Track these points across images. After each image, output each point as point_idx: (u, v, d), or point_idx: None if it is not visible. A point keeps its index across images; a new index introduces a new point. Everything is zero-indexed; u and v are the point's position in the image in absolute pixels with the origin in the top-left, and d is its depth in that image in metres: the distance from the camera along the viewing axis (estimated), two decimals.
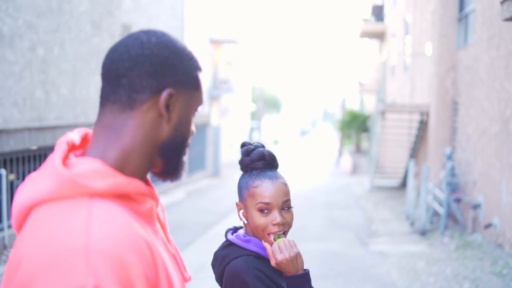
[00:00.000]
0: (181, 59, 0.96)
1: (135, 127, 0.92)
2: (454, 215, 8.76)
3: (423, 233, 8.25)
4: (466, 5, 9.33)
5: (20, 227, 0.89)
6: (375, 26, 20.27)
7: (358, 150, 25.41)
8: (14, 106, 6.73)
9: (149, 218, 0.96)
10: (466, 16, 9.24)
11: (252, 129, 41.49)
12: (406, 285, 5.73)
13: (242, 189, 1.57)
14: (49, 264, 0.77)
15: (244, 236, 1.55)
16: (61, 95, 7.84)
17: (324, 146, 42.11)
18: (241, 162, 1.61)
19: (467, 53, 8.78)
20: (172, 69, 0.94)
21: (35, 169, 7.55)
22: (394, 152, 14.42)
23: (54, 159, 0.88)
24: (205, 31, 21.81)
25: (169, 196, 12.34)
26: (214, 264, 1.59)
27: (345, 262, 6.73)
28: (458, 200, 8.22)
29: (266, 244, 1.49)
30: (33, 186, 0.88)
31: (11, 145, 6.69)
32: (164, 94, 0.92)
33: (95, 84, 8.93)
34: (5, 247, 6.54)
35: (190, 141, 1.02)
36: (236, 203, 1.60)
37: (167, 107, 0.94)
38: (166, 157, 0.97)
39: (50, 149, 7.77)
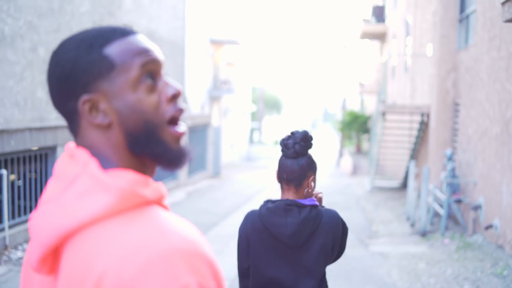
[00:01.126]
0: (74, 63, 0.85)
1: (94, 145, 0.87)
2: (455, 216, 8.76)
3: (424, 234, 8.25)
4: (467, 6, 9.33)
5: (46, 260, 0.80)
6: (376, 27, 20.27)
7: (359, 151, 25.40)
8: (15, 106, 6.74)
9: None
10: (467, 17, 9.24)
11: (252, 130, 41.52)
12: (407, 286, 5.73)
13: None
14: (148, 270, 0.73)
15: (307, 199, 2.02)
16: None
17: (325, 147, 42.10)
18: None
19: (468, 54, 8.78)
20: (75, 78, 0.85)
21: (35, 170, 7.55)
22: (394, 153, 14.42)
23: (94, 172, 0.81)
24: (206, 32, 21.82)
25: (170, 196, 12.34)
26: (305, 226, 1.94)
27: (346, 263, 6.73)
28: (458, 201, 8.22)
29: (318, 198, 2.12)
30: (80, 206, 0.78)
31: (12, 145, 6.70)
32: (82, 108, 0.84)
33: None
34: (5, 247, 6.54)
35: (164, 110, 0.87)
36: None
37: (86, 107, 0.84)
38: (146, 152, 0.87)
39: (51, 149, 7.77)
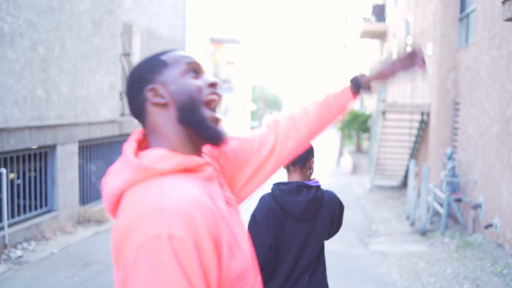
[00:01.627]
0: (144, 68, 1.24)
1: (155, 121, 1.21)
2: (455, 215, 8.75)
3: (424, 233, 8.25)
4: (467, 5, 9.32)
5: (113, 210, 1.15)
6: (376, 26, 20.25)
7: (359, 150, 25.39)
8: (15, 105, 6.73)
9: (210, 180, 1.22)
10: (467, 16, 9.23)
11: (252, 129, 41.45)
12: (407, 285, 5.72)
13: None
14: (133, 223, 1.01)
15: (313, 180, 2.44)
16: (61, 94, 7.83)
17: (325, 145, 42.11)
18: None
19: (468, 53, 8.77)
20: (144, 74, 1.23)
21: (35, 168, 7.54)
22: (394, 152, 14.41)
23: (128, 154, 1.15)
24: (206, 31, 21.80)
25: None
26: (312, 204, 2.36)
27: (346, 262, 6.72)
28: (458, 200, 8.21)
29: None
30: (117, 177, 1.13)
31: (12, 144, 6.69)
32: (147, 95, 1.20)
33: (96, 83, 8.93)
34: (5, 246, 6.54)
35: (203, 93, 1.22)
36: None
37: (152, 94, 1.20)
38: (192, 124, 1.19)
39: (51, 148, 7.76)
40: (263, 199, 2.41)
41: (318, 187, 2.41)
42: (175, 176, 1.12)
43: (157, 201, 1.03)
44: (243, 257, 1.19)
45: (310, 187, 2.38)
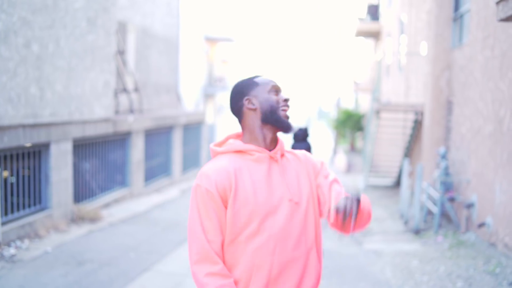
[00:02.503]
0: (246, 87, 2.05)
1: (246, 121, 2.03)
2: (448, 214, 8.80)
3: (417, 232, 8.29)
4: (461, 5, 9.36)
5: None
6: (371, 26, 20.28)
7: (353, 149, 25.43)
8: (9, 103, 6.70)
9: (258, 161, 1.95)
10: (461, 16, 9.27)
11: None
12: (400, 284, 5.75)
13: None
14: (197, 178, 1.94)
15: None
16: (56, 92, 7.80)
17: (319, 144, 42.13)
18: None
19: (462, 53, 8.81)
20: (244, 89, 2.05)
21: (29, 166, 7.52)
22: (388, 151, 14.46)
23: (211, 145, 2.02)
24: (200, 29, 21.76)
25: (164, 194, 12.33)
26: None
27: (340, 261, 6.75)
28: (452, 199, 8.25)
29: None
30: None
31: (5, 141, 6.66)
32: (244, 102, 2.01)
33: (90, 81, 8.90)
34: None
35: (280, 104, 1.99)
36: None
37: (248, 102, 1.99)
38: (271, 122, 1.97)
39: (44, 146, 7.74)
40: None
41: None
42: (227, 154, 1.97)
43: (204, 167, 1.96)
44: (254, 206, 1.87)
45: None
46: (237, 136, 2.04)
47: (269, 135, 1.97)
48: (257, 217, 1.85)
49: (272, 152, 1.97)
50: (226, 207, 1.87)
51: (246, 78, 2.03)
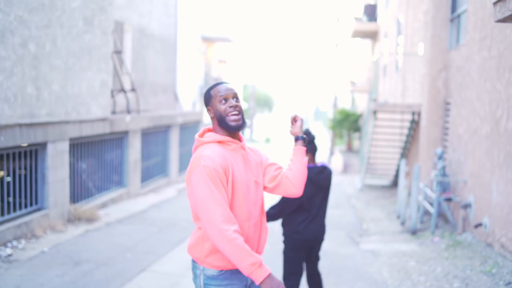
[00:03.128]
0: (207, 95, 2.64)
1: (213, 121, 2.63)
2: (445, 215, 8.81)
3: (414, 232, 8.30)
4: (458, 6, 9.38)
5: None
6: (368, 26, 20.30)
7: (350, 149, 25.44)
8: (5, 102, 6.68)
9: (235, 151, 2.57)
10: (459, 16, 9.29)
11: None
12: (397, 284, 5.75)
13: None
14: (194, 160, 2.45)
15: None
16: (52, 92, 7.78)
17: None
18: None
19: (459, 53, 8.83)
20: (205, 101, 2.64)
21: (25, 166, 7.49)
22: (385, 151, 14.48)
23: (196, 136, 2.58)
24: (197, 29, 21.74)
25: (161, 194, 12.31)
26: (329, 177, 4.36)
27: (336, 261, 6.75)
28: (448, 200, 8.26)
29: None
30: (194, 143, 2.57)
31: (2, 141, 6.64)
32: (207, 111, 2.61)
33: (87, 80, 8.88)
34: None
35: (227, 111, 2.54)
36: None
37: (209, 111, 2.59)
38: (223, 126, 2.56)
39: (41, 145, 7.72)
40: None
41: (326, 166, 4.27)
42: (212, 144, 2.51)
43: (201, 152, 2.46)
44: (240, 183, 2.52)
45: (325, 167, 4.27)
46: (209, 130, 2.63)
47: (227, 134, 2.57)
48: (241, 191, 2.50)
49: (242, 144, 2.61)
50: (224, 184, 2.44)
51: (209, 87, 2.62)
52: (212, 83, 24.06)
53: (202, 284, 2.49)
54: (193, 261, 2.55)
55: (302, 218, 4.17)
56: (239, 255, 2.30)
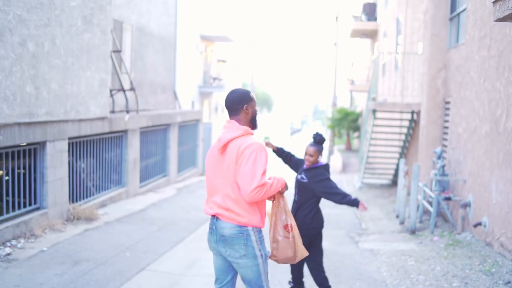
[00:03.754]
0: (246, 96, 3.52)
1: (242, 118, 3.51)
2: (444, 214, 8.81)
3: (413, 231, 8.30)
4: (458, 5, 9.37)
5: (225, 146, 3.34)
6: (367, 25, 20.31)
7: (349, 148, 25.45)
8: (4, 101, 6.67)
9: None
10: (458, 15, 9.28)
11: None
12: (396, 283, 5.75)
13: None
14: (252, 142, 3.32)
15: None
16: (51, 91, 7.77)
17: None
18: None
19: (459, 52, 8.82)
20: (244, 99, 3.49)
21: (24, 166, 7.48)
22: (384, 150, 14.48)
23: (237, 124, 3.40)
24: (196, 28, 21.72)
25: (160, 193, 12.30)
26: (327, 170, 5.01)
27: (336, 260, 6.75)
28: (448, 199, 8.26)
29: None
30: (229, 133, 3.35)
31: (1, 140, 6.63)
32: (244, 107, 3.47)
33: (86, 79, 8.87)
34: None
35: (257, 115, 3.56)
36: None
37: (246, 108, 3.47)
38: (252, 123, 3.52)
39: (40, 145, 7.71)
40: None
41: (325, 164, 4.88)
42: (252, 134, 3.45)
43: (254, 138, 3.38)
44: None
45: (327, 164, 4.91)
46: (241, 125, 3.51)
47: (251, 129, 3.49)
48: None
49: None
50: None
51: (244, 90, 3.48)
52: (211, 82, 24.06)
53: (257, 238, 3.33)
54: (244, 226, 3.29)
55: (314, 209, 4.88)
56: (275, 187, 3.36)
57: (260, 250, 3.33)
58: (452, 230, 8.05)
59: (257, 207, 3.34)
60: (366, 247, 7.60)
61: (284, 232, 3.58)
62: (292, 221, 3.59)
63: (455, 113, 8.83)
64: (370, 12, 20.79)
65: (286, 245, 3.59)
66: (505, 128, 6.56)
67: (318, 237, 4.84)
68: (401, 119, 13.17)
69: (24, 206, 7.48)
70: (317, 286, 4.91)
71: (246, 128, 3.36)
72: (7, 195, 7.19)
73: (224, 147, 3.31)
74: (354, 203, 4.57)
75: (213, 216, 3.39)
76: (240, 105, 3.38)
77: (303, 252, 3.65)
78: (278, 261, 3.66)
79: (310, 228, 4.73)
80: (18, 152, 7.31)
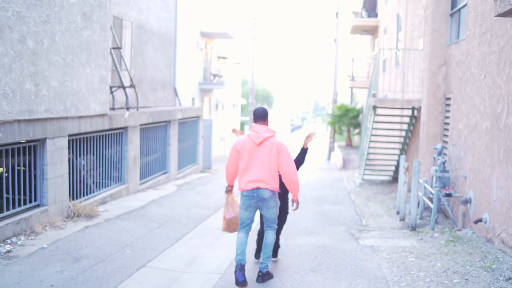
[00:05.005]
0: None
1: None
2: (445, 210, 8.80)
3: (414, 228, 8.29)
4: (458, 1, 9.34)
5: (263, 141, 5.40)
6: (367, 21, 20.26)
7: (349, 145, 25.43)
8: (4, 98, 6.65)
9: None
10: (459, 11, 9.25)
11: (243, 123, 41.45)
12: (397, 280, 5.75)
13: None
14: (282, 142, 5.50)
15: None
16: (51, 88, 7.76)
17: (315, 141, 42.15)
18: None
19: (459, 48, 8.80)
20: (266, 115, 5.72)
21: (24, 163, 7.47)
22: (385, 147, 14.46)
23: (268, 128, 5.52)
24: (197, 25, 21.69)
25: (160, 190, 12.30)
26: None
27: (336, 257, 6.74)
28: (448, 195, 8.25)
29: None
30: (266, 132, 5.44)
31: (0, 137, 6.62)
32: (267, 117, 5.73)
33: (86, 76, 8.85)
34: None
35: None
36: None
37: (267, 121, 5.71)
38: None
39: (40, 142, 7.70)
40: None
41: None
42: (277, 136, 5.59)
43: (281, 139, 5.50)
44: None
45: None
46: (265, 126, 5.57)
47: None
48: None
49: None
50: None
51: (265, 108, 5.61)
52: (211, 79, 24.04)
53: (276, 197, 5.47)
54: (273, 191, 5.40)
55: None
56: (297, 187, 5.42)
57: (277, 203, 5.51)
58: (452, 226, 8.05)
59: (277, 181, 5.44)
60: (366, 243, 7.59)
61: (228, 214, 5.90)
62: (227, 213, 5.87)
63: (456, 109, 8.81)
64: (371, 8, 20.75)
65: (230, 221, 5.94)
66: (506, 124, 6.55)
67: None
68: (401, 116, 13.14)
69: (24, 203, 7.47)
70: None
71: (275, 131, 5.43)
72: (7, 192, 7.18)
73: (262, 142, 5.34)
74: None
75: (253, 189, 5.34)
76: (266, 116, 5.56)
77: (235, 228, 5.90)
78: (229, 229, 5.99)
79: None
80: (18, 149, 7.30)
